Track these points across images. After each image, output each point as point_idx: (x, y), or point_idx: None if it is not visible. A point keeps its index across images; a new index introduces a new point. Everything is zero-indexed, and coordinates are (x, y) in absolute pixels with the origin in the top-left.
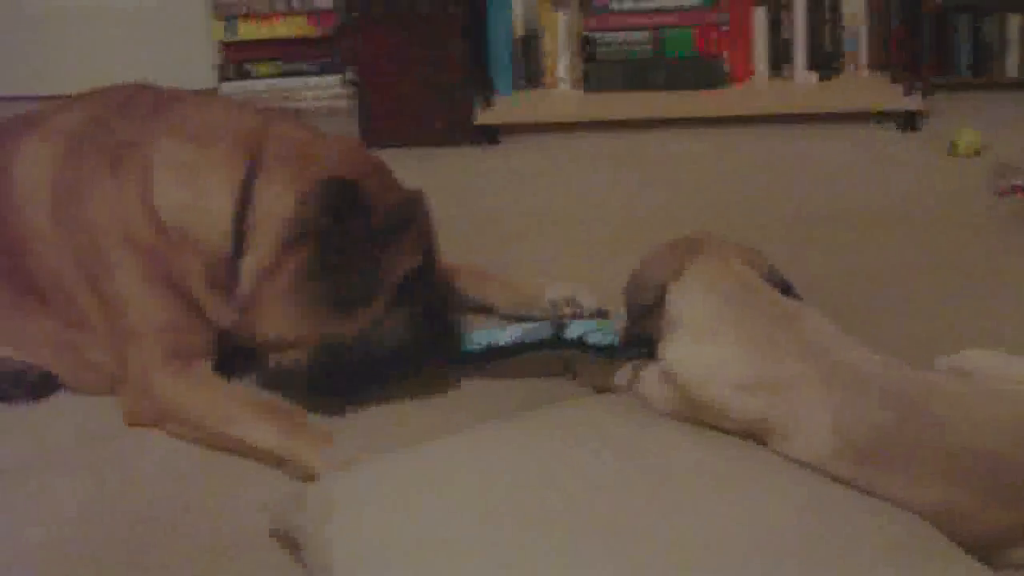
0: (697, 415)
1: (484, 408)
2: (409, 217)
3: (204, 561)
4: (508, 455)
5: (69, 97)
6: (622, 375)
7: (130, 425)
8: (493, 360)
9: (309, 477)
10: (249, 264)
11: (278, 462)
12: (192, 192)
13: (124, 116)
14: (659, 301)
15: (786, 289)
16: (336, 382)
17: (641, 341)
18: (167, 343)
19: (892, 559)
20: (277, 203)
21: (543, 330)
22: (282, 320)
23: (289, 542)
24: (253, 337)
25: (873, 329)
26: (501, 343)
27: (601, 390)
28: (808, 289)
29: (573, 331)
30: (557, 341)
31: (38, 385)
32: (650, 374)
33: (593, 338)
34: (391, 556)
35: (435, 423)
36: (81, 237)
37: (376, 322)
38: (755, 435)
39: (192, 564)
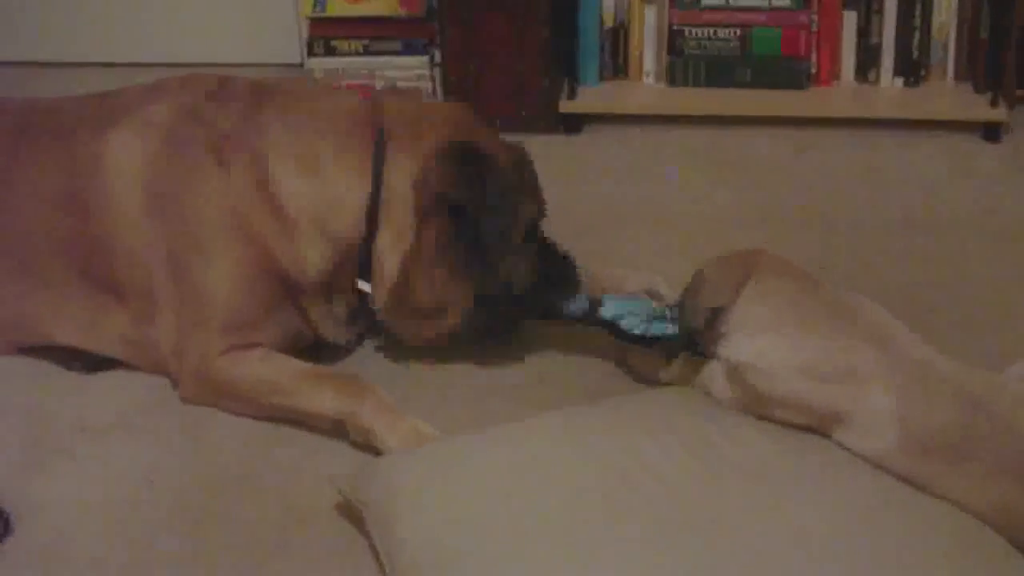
0: (764, 410)
1: (539, 397)
2: (523, 169)
3: (268, 530)
4: (574, 446)
5: (149, 85)
6: (671, 371)
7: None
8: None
9: (371, 443)
10: (386, 238)
11: (338, 428)
12: (321, 179)
13: (219, 107)
14: (710, 323)
15: None
16: (489, 329)
17: (693, 345)
18: (234, 336)
19: (951, 562)
20: (406, 175)
21: (581, 301)
22: (437, 286)
23: (356, 515)
24: (407, 311)
25: (946, 338)
26: None
27: (648, 383)
28: (882, 296)
29: (608, 311)
30: (591, 317)
31: (97, 361)
32: (715, 372)
33: (627, 323)
34: (456, 535)
35: (490, 409)
36: (178, 231)
37: (515, 266)
38: (820, 426)
39: (255, 535)
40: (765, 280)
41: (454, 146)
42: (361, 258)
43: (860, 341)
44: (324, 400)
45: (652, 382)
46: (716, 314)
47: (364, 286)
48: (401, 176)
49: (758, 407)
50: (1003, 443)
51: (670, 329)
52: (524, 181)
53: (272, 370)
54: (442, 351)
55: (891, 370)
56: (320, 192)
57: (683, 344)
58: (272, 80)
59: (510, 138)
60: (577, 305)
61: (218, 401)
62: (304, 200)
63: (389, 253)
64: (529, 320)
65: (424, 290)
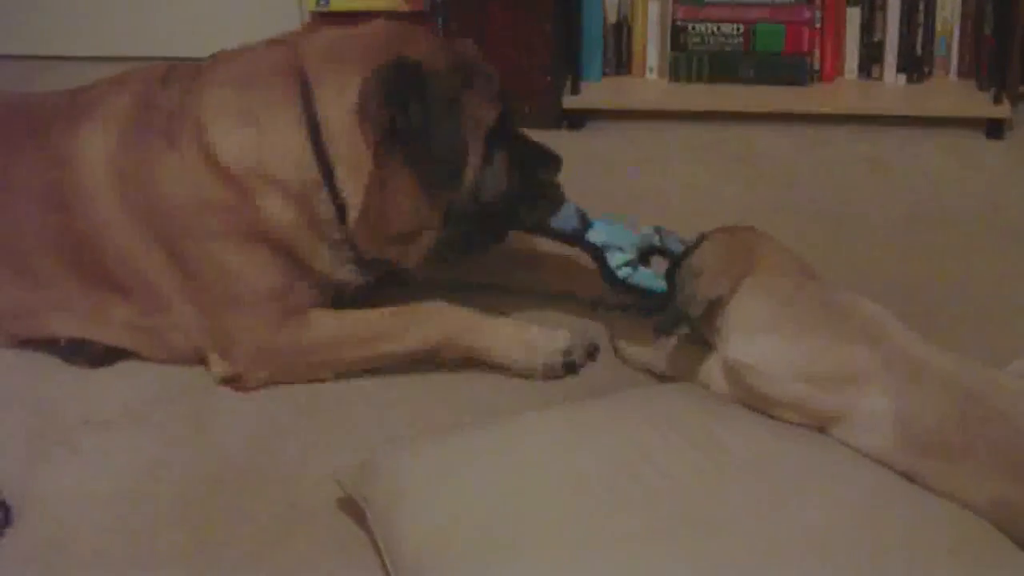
0: (763, 408)
1: (542, 393)
2: (471, 71)
3: (271, 525)
4: (577, 441)
5: (114, 77)
6: (663, 360)
7: (239, 389)
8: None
9: (479, 359)
10: (343, 173)
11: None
12: (255, 131)
13: (166, 88)
14: (707, 312)
15: None
16: (469, 244)
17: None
18: (276, 307)
19: (955, 558)
20: (341, 106)
21: (571, 220)
22: (405, 210)
23: (357, 511)
24: (382, 239)
25: (951, 334)
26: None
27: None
28: (887, 291)
29: (596, 235)
30: (579, 238)
31: (100, 356)
32: (713, 368)
33: (613, 258)
34: (459, 531)
35: (492, 405)
36: (158, 220)
37: (478, 176)
38: (819, 425)
39: (259, 529)
40: (764, 276)
41: (382, 66)
42: (333, 199)
43: (857, 342)
44: (409, 338)
45: (640, 368)
46: (713, 304)
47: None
48: (336, 110)
49: (757, 405)
50: (1001, 439)
51: (656, 283)
52: (475, 82)
53: (343, 325)
54: None
55: (888, 370)
56: (255, 145)
57: (674, 322)
58: (220, 52)
59: None
60: (566, 221)
61: (285, 373)
62: (242, 156)
63: (349, 187)
64: (515, 232)
65: (394, 216)
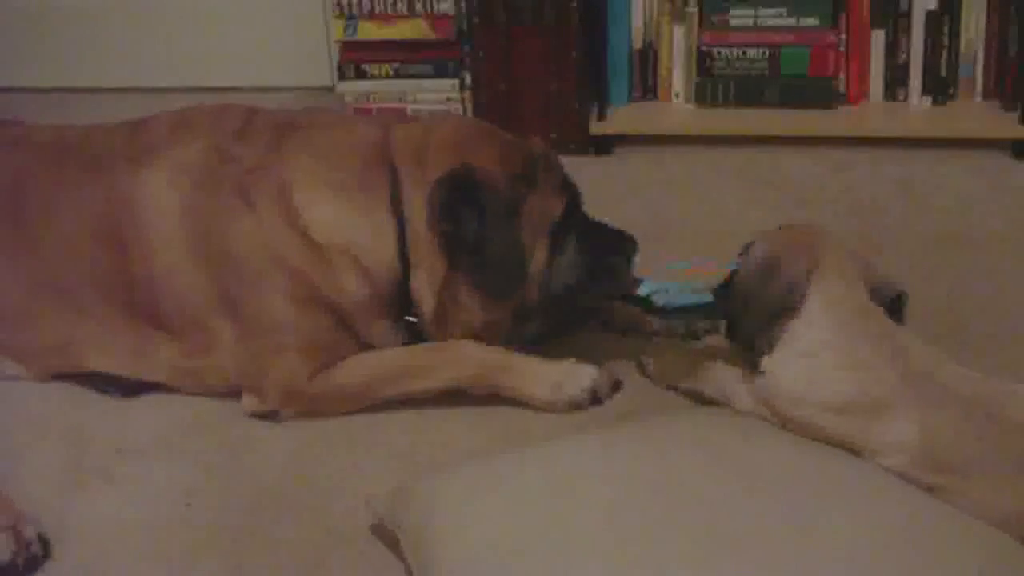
0: (786, 427)
1: (572, 418)
2: (533, 169)
3: (306, 551)
4: (610, 464)
5: (177, 117)
6: (684, 376)
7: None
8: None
9: (512, 397)
10: (421, 278)
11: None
12: (351, 210)
13: (245, 144)
14: (774, 320)
15: (899, 297)
16: (547, 331)
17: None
18: (316, 355)
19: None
20: (421, 212)
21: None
22: (475, 313)
23: (391, 537)
24: (455, 335)
25: (978, 354)
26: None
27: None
28: (914, 313)
29: (643, 289)
30: (628, 296)
31: (133, 386)
32: (740, 389)
33: (656, 297)
34: (491, 556)
35: (524, 430)
36: (222, 271)
37: (546, 271)
38: (837, 445)
39: (293, 555)
40: (828, 289)
41: (440, 178)
42: (402, 295)
43: (896, 375)
44: (436, 378)
45: (664, 386)
46: (772, 319)
47: (410, 319)
48: (418, 215)
49: (778, 421)
50: (1015, 450)
51: (695, 297)
52: (538, 180)
53: (372, 367)
54: None
55: (924, 402)
56: (348, 224)
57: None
58: (298, 112)
59: None
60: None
61: (317, 411)
62: (333, 231)
63: (425, 291)
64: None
65: (465, 318)
